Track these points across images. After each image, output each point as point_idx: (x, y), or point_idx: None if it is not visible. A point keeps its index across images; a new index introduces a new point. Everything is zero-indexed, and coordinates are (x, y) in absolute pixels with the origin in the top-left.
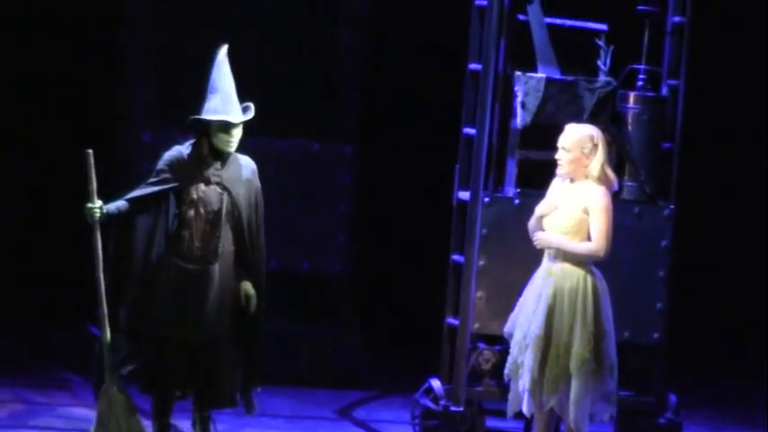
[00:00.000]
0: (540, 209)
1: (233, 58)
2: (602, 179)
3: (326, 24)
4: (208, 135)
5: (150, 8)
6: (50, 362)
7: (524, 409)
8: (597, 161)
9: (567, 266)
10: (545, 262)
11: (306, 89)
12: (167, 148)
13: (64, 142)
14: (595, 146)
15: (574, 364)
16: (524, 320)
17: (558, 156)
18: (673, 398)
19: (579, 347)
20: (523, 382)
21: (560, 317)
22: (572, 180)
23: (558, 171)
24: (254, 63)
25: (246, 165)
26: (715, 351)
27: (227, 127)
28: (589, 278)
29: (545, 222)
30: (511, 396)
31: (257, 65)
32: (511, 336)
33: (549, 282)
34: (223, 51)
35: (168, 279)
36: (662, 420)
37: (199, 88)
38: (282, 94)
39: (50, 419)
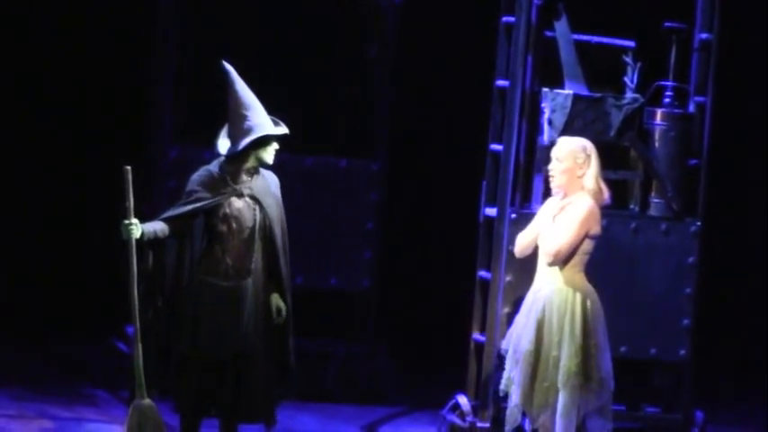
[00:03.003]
0: (533, 227)
1: (261, 76)
2: (596, 192)
3: (354, 41)
4: (256, 150)
5: (180, 26)
6: (77, 377)
7: (526, 425)
8: (591, 173)
9: (558, 282)
10: (536, 278)
11: (333, 106)
12: (194, 168)
13: (94, 158)
14: (588, 156)
15: (561, 378)
16: (515, 336)
17: (550, 167)
18: (700, 415)
19: (566, 360)
20: (515, 397)
21: (549, 332)
22: (564, 195)
23: (552, 183)
24: (282, 80)
25: (271, 178)
26: (742, 367)
27: (274, 140)
28: (578, 294)
29: (540, 239)
30: (508, 411)
31: (285, 82)
32: (506, 352)
33: (539, 297)
34: (230, 66)
35: (203, 298)
36: None
37: (225, 106)
38: (310, 111)
39: None
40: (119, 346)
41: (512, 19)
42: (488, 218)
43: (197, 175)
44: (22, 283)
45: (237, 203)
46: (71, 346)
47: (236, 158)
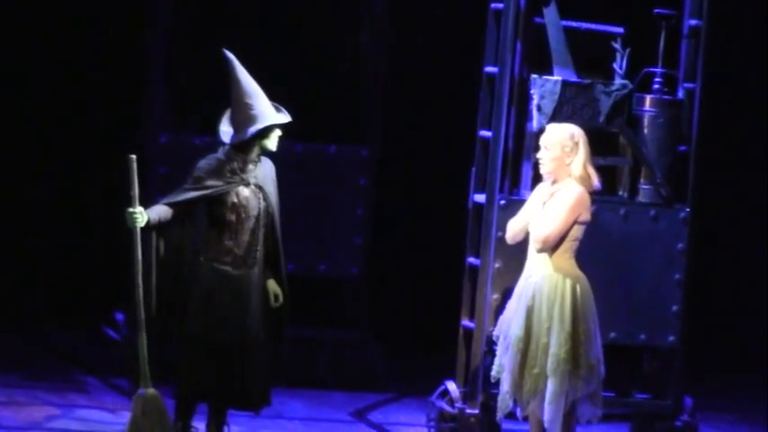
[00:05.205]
0: (524, 213)
1: (251, 62)
2: (585, 179)
3: (344, 27)
4: (261, 139)
5: (171, 13)
6: (68, 364)
7: (517, 411)
8: (579, 160)
9: (548, 269)
10: (527, 265)
11: (323, 92)
12: (184, 154)
13: (85, 145)
14: (576, 144)
15: (550, 365)
16: (506, 322)
17: (539, 155)
18: (689, 401)
19: (555, 348)
20: (505, 384)
21: (539, 318)
22: (554, 181)
23: (541, 171)
24: (271, 66)
25: (268, 164)
26: (731, 354)
27: (278, 127)
28: (568, 280)
29: (530, 225)
30: (500, 398)
31: (275, 68)
32: (498, 338)
33: (529, 284)
34: (231, 54)
35: (211, 284)
36: (678, 423)
37: (215, 92)
38: (300, 97)
39: (67, 422)
40: (109, 333)
41: (501, 5)
42: (477, 204)
43: (206, 162)
44: (12, 271)
45: (245, 192)
46: (62, 332)
47: (242, 147)
